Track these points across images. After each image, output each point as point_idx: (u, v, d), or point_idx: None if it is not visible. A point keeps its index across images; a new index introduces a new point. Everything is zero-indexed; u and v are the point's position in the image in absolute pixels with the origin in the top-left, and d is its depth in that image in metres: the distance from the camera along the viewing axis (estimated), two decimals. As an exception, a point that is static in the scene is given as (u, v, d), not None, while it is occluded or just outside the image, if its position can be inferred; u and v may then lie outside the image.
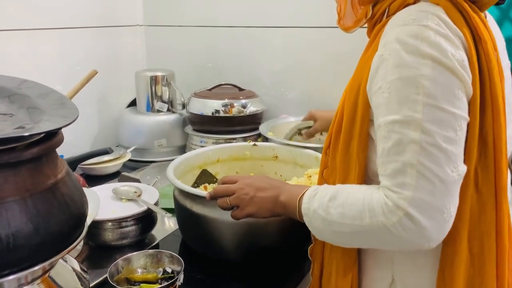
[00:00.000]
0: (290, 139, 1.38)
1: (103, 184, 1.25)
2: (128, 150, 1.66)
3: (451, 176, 0.66)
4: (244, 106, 1.63)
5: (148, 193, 1.17)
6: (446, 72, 0.66)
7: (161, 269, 0.91)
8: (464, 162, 0.69)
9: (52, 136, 0.66)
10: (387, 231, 0.68)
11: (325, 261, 0.87)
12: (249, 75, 1.81)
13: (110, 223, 1.05)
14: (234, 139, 1.62)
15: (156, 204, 1.12)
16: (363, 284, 0.84)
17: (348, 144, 0.78)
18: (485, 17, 0.75)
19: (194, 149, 1.41)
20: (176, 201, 1.07)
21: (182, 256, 0.91)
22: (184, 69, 1.90)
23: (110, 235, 1.05)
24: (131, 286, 0.88)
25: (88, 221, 0.78)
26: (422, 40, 0.66)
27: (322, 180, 0.88)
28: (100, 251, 1.07)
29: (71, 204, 0.67)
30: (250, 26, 1.77)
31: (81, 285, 0.76)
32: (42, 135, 0.63)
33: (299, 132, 1.39)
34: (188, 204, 1.02)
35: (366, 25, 0.83)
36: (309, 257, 0.92)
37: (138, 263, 0.91)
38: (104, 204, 1.09)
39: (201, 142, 1.65)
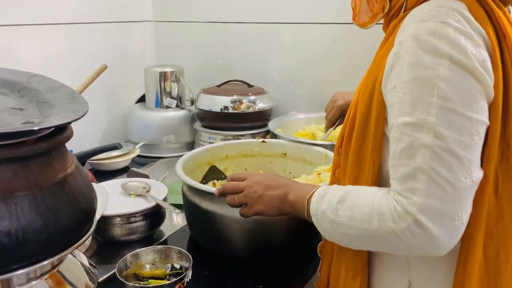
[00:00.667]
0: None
1: (112, 180, 1.26)
2: (137, 146, 1.66)
3: (464, 182, 0.63)
4: (253, 103, 1.63)
5: (157, 189, 1.17)
6: (464, 73, 0.63)
7: (169, 265, 0.91)
8: (482, 166, 0.66)
9: (62, 131, 0.66)
10: (395, 237, 0.66)
11: (334, 261, 0.85)
12: (258, 71, 1.80)
13: (118, 219, 1.05)
14: (242, 135, 1.61)
15: (164, 200, 1.12)
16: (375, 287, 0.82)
17: (361, 144, 0.76)
18: (510, 12, 0.72)
19: (203, 145, 1.40)
20: (184, 197, 1.07)
21: (190, 252, 0.90)
22: (193, 65, 1.90)
23: (118, 231, 1.06)
24: (139, 282, 0.88)
25: (97, 216, 0.78)
26: (440, 38, 0.63)
27: (334, 180, 0.86)
28: (108, 247, 1.07)
29: (80, 199, 0.67)
30: (259, 22, 1.76)
31: (90, 280, 0.76)
32: (52, 129, 0.63)
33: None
34: (197, 200, 1.01)
35: (381, 20, 0.80)
36: (318, 254, 0.91)
37: (146, 258, 0.91)
38: (113, 199, 1.09)
39: (210, 138, 1.65)
